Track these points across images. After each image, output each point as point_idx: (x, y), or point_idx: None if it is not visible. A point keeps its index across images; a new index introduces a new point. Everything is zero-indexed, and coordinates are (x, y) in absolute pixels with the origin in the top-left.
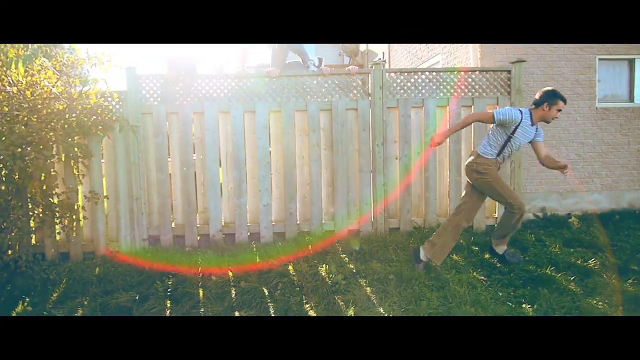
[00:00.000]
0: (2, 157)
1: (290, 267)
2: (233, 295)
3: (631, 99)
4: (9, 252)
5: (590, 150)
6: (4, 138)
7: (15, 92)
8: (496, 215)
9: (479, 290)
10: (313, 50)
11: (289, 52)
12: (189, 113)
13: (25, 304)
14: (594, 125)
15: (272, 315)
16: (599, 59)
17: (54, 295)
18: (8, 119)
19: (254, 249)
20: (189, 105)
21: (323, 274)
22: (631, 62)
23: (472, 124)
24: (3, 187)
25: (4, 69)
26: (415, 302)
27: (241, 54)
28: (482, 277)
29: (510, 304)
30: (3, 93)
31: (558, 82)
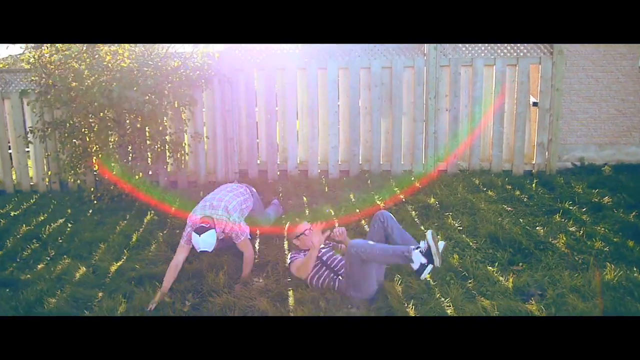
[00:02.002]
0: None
1: (351, 195)
2: (306, 213)
3: None
4: (137, 176)
5: (630, 107)
6: (135, 88)
7: (140, 51)
8: (534, 162)
9: (504, 216)
10: None
11: None
12: (273, 70)
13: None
14: (636, 83)
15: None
16: None
17: (174, 207)
18: (137, 72)
19: (323, 182)
20: (273, 62)
21: (378, 202)
22: None
23: None
24: (136, 126)
25: None
26: (450, 221)
27: None
28: (510, 208)
29: (527, 227)
30: (132, 53)
31: (601, 42)
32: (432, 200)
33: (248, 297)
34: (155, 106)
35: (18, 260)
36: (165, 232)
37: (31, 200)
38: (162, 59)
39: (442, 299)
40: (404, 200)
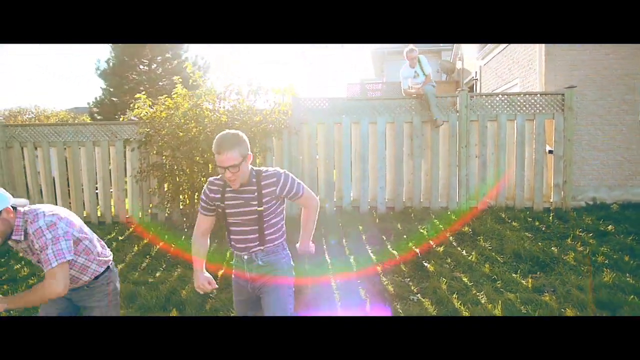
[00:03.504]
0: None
1: (398, 225)
2: (364, 237)
3: None
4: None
5: (634, 154)
6: (204, 138)
7: (231, 109)
8: (552, 200)
9: (525, 240)
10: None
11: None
12: (332, 124)
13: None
14: (637, 134)
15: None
16: None
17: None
18: (230, 125)
19: (374, 215)
20: (332, 118)
21: (421, 231)
22: None
23: None
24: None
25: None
26: (481, 243)
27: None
28: (530, 234)
29: (544, 247)
30: (223, 110)
31: (607, 101)
32: (466, 229)
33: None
34: None
35: (139, 269)
36: None
37: (128, 231)
38: (247, 114)
39: (477, 293)
40: (442, 229)
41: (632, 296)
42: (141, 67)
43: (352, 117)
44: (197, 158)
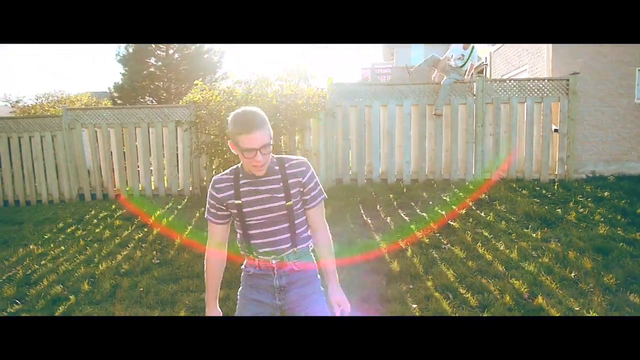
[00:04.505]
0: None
1: (423, 193)
2: (395, 203)
3: None
4: None
5: (629, 132)
6: (278, 114)
7: (278, 91)
8: (556, 173)
9: (533, 204)
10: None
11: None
12: (363, 106)
13: None
14: (632, 115)
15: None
16: (638, 70)
17: None
18: (278, 109)
19: (401, 185)
20: (363, 101)
21: (444, 198)
22: None
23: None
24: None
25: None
26: (497, 207)
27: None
28: (538, 200)
29: (550, 210)
30: (273, 94)
31: (605, 86)
32: (483, 196)
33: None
34: (276, 128)
35: (205, 230)
36: None
37: (184, 201)
38: (291, 98)
39: (496, 243)
40: (462, 196)
41: (621, 244)
42: (159, 52)
43: (381, 100)
44: None
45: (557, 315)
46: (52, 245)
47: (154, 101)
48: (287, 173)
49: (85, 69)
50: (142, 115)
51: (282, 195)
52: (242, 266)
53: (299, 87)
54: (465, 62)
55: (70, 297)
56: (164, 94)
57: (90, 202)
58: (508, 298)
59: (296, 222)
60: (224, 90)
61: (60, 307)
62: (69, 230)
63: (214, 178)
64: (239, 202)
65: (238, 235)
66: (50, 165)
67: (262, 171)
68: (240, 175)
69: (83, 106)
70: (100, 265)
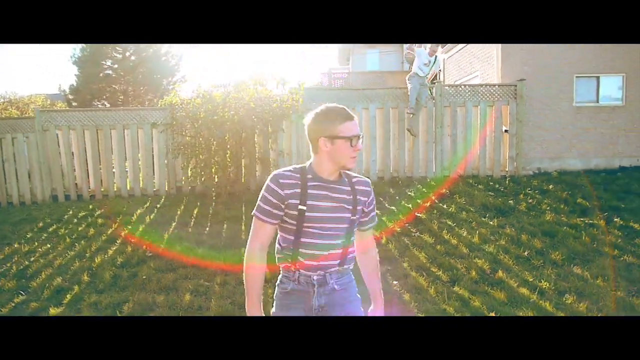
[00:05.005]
0: (243, 131)
1: (390, 189)
2: None
3: (597, 100)
4: (238, 183)
5: (569, 133)
6: (254, 116)
7: (254, 94)
8: (507, 169)
9: (489, 197)
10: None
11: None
12: None
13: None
14: (571, 117)
15: None
16: (576, 77)
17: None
18: (255, 111)
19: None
20: (332, 104)
21: (409, 193)
22: (597, 78)
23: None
24: (238, 147)
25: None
26: (457, 199)
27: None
28: (492, 193)
29: (503, 201)
30: (250, 98)
31: (548, 91)
32: (444, 190)
33: None
34: (252, 130)
35: (190, 226)
36: None
37: (162, 200)
38: (266, 101)
39: (459, 230)
40: (425, 191)
41: (565, 227)
42: (115, 54)
43: (349, 104)
44: (227, 137)
45: (516, 285)
46: (36, 243)
47: (107, 104)
48: (355, 188)
49: (37, 71)
50: (117, 117)
51: (350, 207)
52: (278, 282)
53: (272, 92)
54: (430, 69)
55: (74, 287)
56: (121, 97)
57: (65, 203)
58: (474, 273)
59: (351, 239)
60: (202, 94)
61: (66, 296)
62: (50, 229)
63: (276, 172)
64: (304, 206)
65: (282, 241)
66: (22, 166)
67: (355, 164)
68: (309, 176)
69: (57, 108)
70: (95, 259)
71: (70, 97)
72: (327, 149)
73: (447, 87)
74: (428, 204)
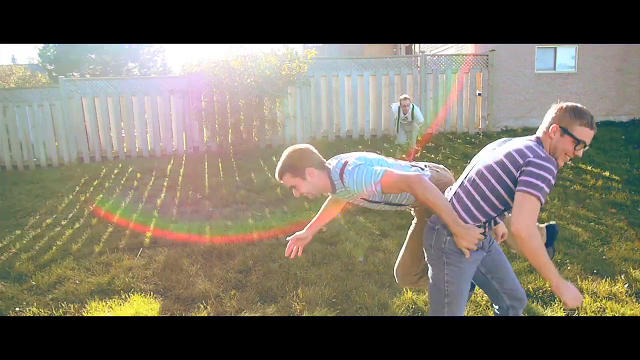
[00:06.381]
0: (257, 97)
1: (385, 144)
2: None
3: (554, 68)
4: (251, 142)
5: (531, 95)
6: (256, 86)
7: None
8: (480, 127)
9: (467, 148)
10: None
11: None
12: (331, 76)
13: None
14: (533, 82)
15: None
16: (537, 48)
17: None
18: (270, 78)
19: (365, 140)
20: (332, 71)
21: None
22: (555, 49)
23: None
24: (251, 110)
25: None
26: (442, 150)
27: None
28: (469, 146)
29: (476, 149)
30: (265, 66)
31: (514, 59)
32: (430, 143)
33: None
34: (264, 95)
35: (220, 176)
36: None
37: (184, 158)
38: (279, 69)
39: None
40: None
41: None
42: None
43: (346, 72)
44: (241, 102)
45: None
46: (93, 192)
47: (87, 75)
48: None
49: None
50: (138, 85)
51: None
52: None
53: (280, 61)
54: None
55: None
56: (100, 67)
57: (93, 165)
58: None
59: None
60: (220, 62)
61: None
62: (94, 182)
63: (554, 165)
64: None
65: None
66: (49, 132)
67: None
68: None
69: (80, 78)
70: (158, 198)
71: (50, 67)
72: (561, 145)
73: (429, 57)
74: (418, 154)
